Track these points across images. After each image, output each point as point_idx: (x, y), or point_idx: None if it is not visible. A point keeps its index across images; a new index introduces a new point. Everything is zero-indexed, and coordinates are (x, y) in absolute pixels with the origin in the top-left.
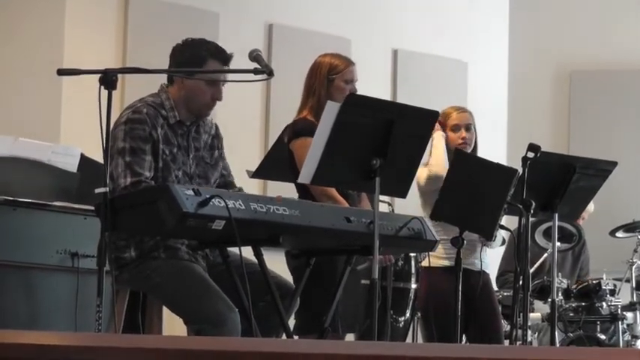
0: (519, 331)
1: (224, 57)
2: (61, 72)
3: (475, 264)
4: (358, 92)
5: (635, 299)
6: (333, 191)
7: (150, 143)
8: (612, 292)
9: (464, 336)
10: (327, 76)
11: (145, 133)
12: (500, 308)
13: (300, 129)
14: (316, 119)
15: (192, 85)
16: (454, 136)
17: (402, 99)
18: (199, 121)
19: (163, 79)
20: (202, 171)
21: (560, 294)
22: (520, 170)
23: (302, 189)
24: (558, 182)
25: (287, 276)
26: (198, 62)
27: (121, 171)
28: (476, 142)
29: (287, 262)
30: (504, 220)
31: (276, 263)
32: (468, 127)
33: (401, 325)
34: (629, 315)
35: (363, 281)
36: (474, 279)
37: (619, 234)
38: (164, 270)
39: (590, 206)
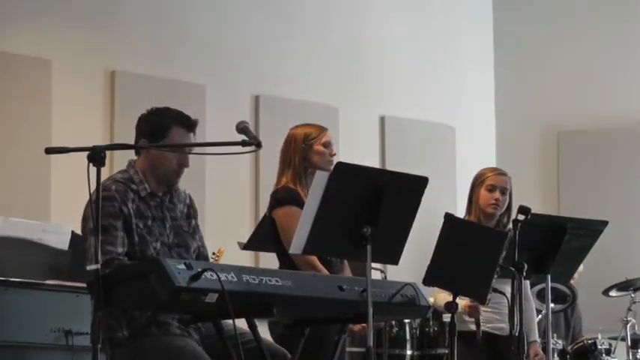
0: None
1: (188, 123)
2: (49, 151)
3: (503, 328)
4: (346, 160)
5: (630, 357)
6: (315, 260)
7: (120, 219)
8: (608, 352)
9: None
10: (303, 144)
11: (115, 209)
12: None
13: (282, 197)
14: (295, 187)
15: (158, 154)
16: (488, 196)
17: (391, 166)
18: (171, 191)
19: None
20: (181, 240)
21: (556, 355)
22: (511, 233)
23: (282, 258)
24: (550, 243)
25: None
26: (162, 130)
27: (94, 251)
28: (509, 207)
29: (270, 330)
30: None
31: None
32: (504, 191)
33: None
34: None
35: (355, 349)
36: (503, 344)
37: (612, 293)
38: (158, 348)
39: (580, 266)
